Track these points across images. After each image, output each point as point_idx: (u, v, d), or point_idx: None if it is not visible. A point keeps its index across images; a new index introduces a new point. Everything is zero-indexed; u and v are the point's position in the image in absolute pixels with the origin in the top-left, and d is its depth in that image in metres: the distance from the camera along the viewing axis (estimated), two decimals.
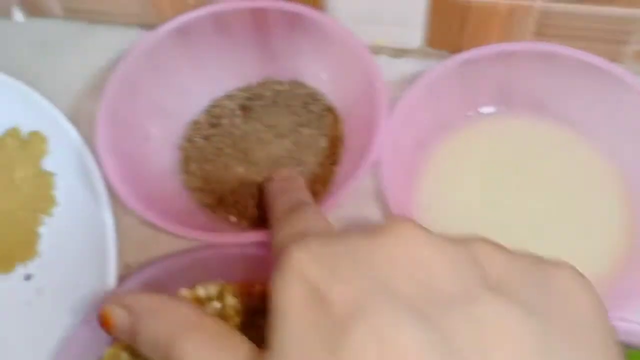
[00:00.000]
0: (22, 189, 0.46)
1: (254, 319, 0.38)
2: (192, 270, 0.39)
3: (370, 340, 0.20)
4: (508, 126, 0.46)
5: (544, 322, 0.21)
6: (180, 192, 0.46)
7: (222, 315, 0.38)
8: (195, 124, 0.49)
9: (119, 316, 0.28)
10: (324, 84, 0.49)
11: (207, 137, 0.48)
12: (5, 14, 0.56)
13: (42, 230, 0.45)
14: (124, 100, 0.45)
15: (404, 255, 0.22)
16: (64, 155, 0.46)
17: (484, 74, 0.44)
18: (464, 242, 0.23)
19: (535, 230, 0.42)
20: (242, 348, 0.25)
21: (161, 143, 0.47)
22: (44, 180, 0.46)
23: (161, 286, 0.39)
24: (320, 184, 0.45)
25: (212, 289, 0.39)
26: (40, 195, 0.45)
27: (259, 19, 0.47)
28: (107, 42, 0.54)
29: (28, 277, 0.44)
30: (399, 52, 0.51)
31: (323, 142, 0.46)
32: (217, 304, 0.39)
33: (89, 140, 0.45)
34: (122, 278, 0.41)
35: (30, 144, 0.47)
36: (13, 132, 0.47)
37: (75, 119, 0.47)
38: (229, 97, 0.50)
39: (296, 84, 0.50)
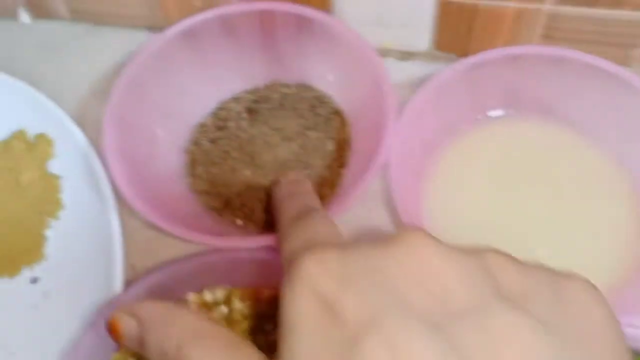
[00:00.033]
0: (28, 192, 0.46)
1: (262, 324, 0.38)
2: (199, 275, 0.39)
3: (383, 352, 0.20)
4: (516, 130, 0.45)
5: (557, 334, 0.21)
6: (187, 195, 0.46)
7: (229, 320, 0.38)
8: (202, 127, 0.48)
9: (127, 325, 0.27)
10: (331, 87, 0.49)
11: (213, 140, 0.48)
12: (12, 15, 0.56)
13: (49, 233, 0.45)
14: (131, 102, 0.45)
15: (416, 266, 0.22)
16: (70, 157, 0.46)
17: (492, 78, 0.44)
18: (475, 252, 0.23)
19: (543, 234, 0.42)
20: (253, 359, 0.25)
21: (168, 146, 0.47)
22: (51, 183, 0.46)
23: (168, 291, 0.39)
24: (328, 187, 0.45)
25: (219, 294, 0.39)
26: (47, 198, 0.45)
27: (266, 22, 0.47)
28: (113, 44, 0.54)
29: (34, 280, 0.44)
30: (406, 55, 0.51)
31: (330, 145, 0.46)
32: (224, 309, 0.39)
33: (95, 142, 0.45)
34: (128, 282, 0.41)
35: (36, 147, 0.47)
36: (19, 135, 0.47)
37: (81, 121, 0.47)
38: (235, 99, 0.50)
39: (303, 87, 0.49)
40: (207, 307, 0.39)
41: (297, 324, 0.22)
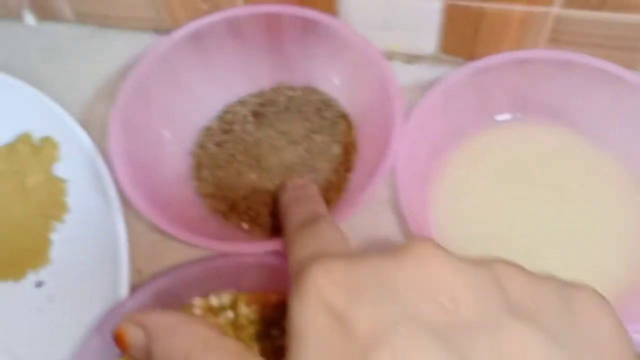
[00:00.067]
0: (33, 195, 0.46)
1: (269, 329, 0.38)
2: (205, 280, 0.39)
3: None
4: (524, 133, 0.45)
5: (567, 346, 0.21)
6: (193, 198, 0.46)
7: (235, 325, 0.38)
8: (208, 130, 0.48)
9: (134, 335, 0.27)
10: (337, 90, 0.49)
11: (219, 143, 0.47)
12: (17, 17, 0.56)
13: (54, 236, 0.45)
14: (137, 105, 0.45)
15: (426, 277, 0.22)
16: (76, 161, 0.46)
17: (499, 81, 0.44)
18: (485, 263, 0.23)
19: (551, 238, 0.42)
20: None
21: (173, 149, 0.47)
22: (56, 186, 0.46)
23: (174, 296, 0.39)
24: (334, 192, 0.45)
25: (225, 298, 0.39)
26: (52, 202, 0.45)
27: (272, 25, 0.47)
28: (118, 46, 0.54)
29: (39, 284, 0.44)
30: (412, 58, 0.51)
31: (336, 149, 0.46)
32: (230, 314, 0.39)
33: (100, 145, 0.45)
34: (134, 286, 0.41)
35: (42, 150, 0.47)
36: (25, 138, 0.47)
37: (85, 124, 0.47)
38: (241, 102, 0.49)
39: (309, 90, 0.49)
40: (213, 312, 0.39)
41: (306, 335, 0.22)
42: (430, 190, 0.44)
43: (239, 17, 0.46)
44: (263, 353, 0.37)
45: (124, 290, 0.40)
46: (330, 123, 0.47)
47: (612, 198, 0.43)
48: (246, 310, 0.38)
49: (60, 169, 0.47)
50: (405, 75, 0.49)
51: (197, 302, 0.39)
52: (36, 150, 0.47)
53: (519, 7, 0.44)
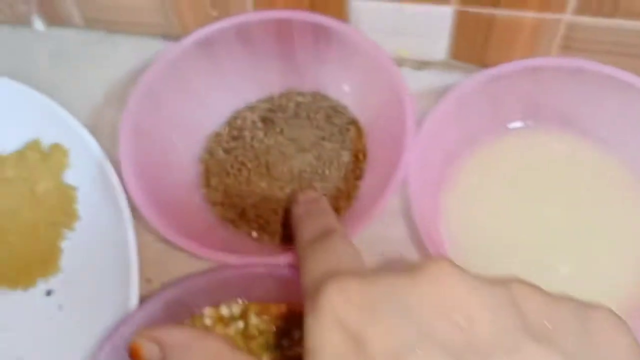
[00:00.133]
0: (44, 203, 0.46)
1: (279, 339, 0.38)
2: (215, 290, 0.39)
3: None
4: (536, 141, 0.45)
5: None
6: (202, 206, 0.46)
7: (245, 335, 0.38)
8: (217, 136, 0.48)
9: (149, 350, 0.27)
10: (347, 96, 0.49)
11: (228, 150, 0.47)
12: (26, 22, 0.56)
13: (64, 244, 0.45)
14: (147, 112, 0.44)
15: (441, 296, 0.22)
16: (85, 168, 0.46)
17: (512, 89, 0.43)
18: (501, 283, 0.23)
19: (563, 245, 0.42)
20: None
21: (183, 155, 0.47)
22: (66, 193, 0.46)
23: (184, 306, 0.39)
24: (344, 200, 0.45)
25: (235, 309, 0.39)
26: (62, 209, 0.45)
27: (282, 31, 0.47)
28: (126, 52, 0.54)
29: (49, 293, 0.44)
30: (422, 64, 0.51)
31: (346, 156, 0.46)
32: (240, 324, 0.39)
33: (109, 151, 0.45)
34: (143, 295, 0.41)
35: (51, 157, 0.46)
36: (34, 145, 0.47)
37: (94, 129, 0.47)
38: (250, 108, 0.49)
39: (319, 96, 0.49)
40: (224, 322, 0.39)
41: (321, 353, 0.22)
42: (443, 197, 0.44)
43: (248, 23, 0.46)
44: None
45: (133, 299, 0.40)
46: (340, 130, 0.47)
47: (624, 205, 0.43)
48: (256, 321, 0.38)
49: (69, 176, 0.47)
50: (415, 81, 0.48)
51: (208, 312, 0.39)
52: (45, 157, 0.47)
53: (531, 14, 0.44)
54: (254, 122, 0.48)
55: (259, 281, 0.38)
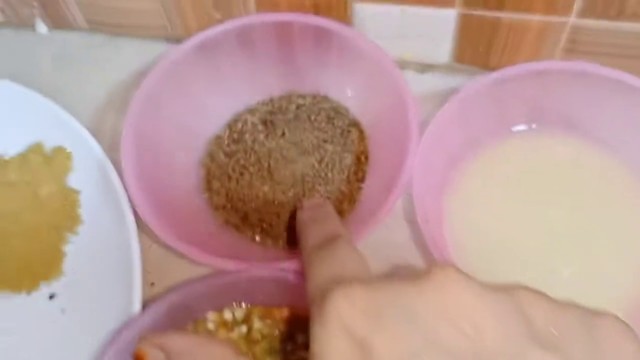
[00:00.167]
0: (47, 206, 0.45)
1: (283, 343, 0.38)
2: (218, 294, 0.39)
3: None
4: (540, 144, 0.45)
5: None
6: (204, 210, 0.46)
7: (248, 340, 0.38)
8: (217, 139, 0.48)
9: (155, 357, 0.27)
10: (348, 98, 0.48)
11: (229, 153, 0.47)
12: (29, 25, 0.56)
13: (67, 248, 0.45)
14: (148, 116, 0.44)
15: (447, 303, 0.22)
16: (88, 171, 0.45)
17: (517, 92, 0.43)
18: (507, 290, 0.23)
19: (567, 248, 0.42)
20: None
21: (184, 159, 0.47)
22: (69, 197, 0.46)
23: (187, 310, 0.39)
24: (347, 203, 0.44)
25: (238, 313, 0.39)
26: (65, 213, 0.45)
27: (283, 33, 0.46)
28: (129, 55, 0.54)
29: (52, 297, 0.44)
30: (425, 67, 0.50)
31: (348, 159, 0.46)
32: (243, 328, 0.38)
33: (111, 153, 0.45)
34: (146, 299, 0.41)
35: (54, 160, 0.46)
36: (37, 148, 0.47)
37: (96, 132, 0.47)
38: (250, 111, 0.49)
39: (319, 98, 0.49)
40: (227, 327, 0.39)
41: None
42: (446, 200, 0.44)
43: (248, 26, 0.46)
44: None
45: (137, 303, 0.40)
46: (342, 132, 0.47)
47: (628, 208, 0.43)
48: (260, 325, 0.38)
49: (72, 180, 0.46)
50: (419, 84, 0.48)
51: (211, 316, 0.39)
52: (48, 161, 0.46)
53: (536, 17, 0.43)
54: (254, 125, 0.48)
55: (262, 285, 0.38)
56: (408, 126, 0.41)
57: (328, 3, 0.47)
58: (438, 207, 0.43)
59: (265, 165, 0.46)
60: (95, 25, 0.55)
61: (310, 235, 0.34)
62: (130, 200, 0.42)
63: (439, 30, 0.47)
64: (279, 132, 0.47)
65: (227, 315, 0.39)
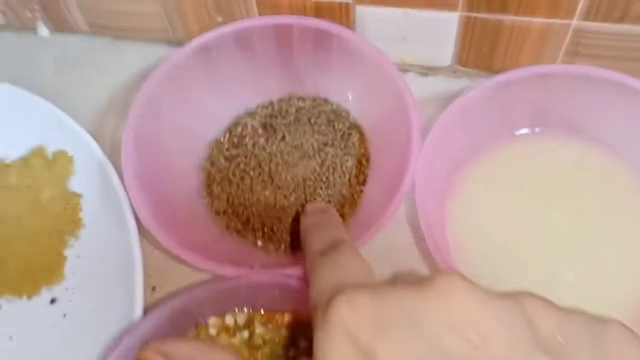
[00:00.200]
0: (48, 210, 0.45)
1: (285, 348, 0.38)
2: (220, 299, 0.38)
3: None
4: (544, 147, 0.45)
5: None
6: (206, 215, 0.45)
7: (250, 345, 0.38)
8: (217, 143, 0.48)
9: None
10: (348, 101, 0.48)
11: (229, 157, 0.47)
12: (31, 28, 0.56)
13: (68, 252, 0.45)
14: (148, 121, 0.44)
15: (452, 311, 0.22)
16: (90, 175, 0.45)
17: (520, 96, 0.43)
18: (512, 297, 0.23)
19: (570, 252, 0.42)
20: None
21: (185, 164, 0.47)
22: (71, 201, 0.45)
23: (189, 315, 0.38)
24: (348, 206, 0.44)
25: (240, 318, 0.39)
26: (67, 217, 0.45)
27: (284, 36, 0.46)
28: (131, 58, 0.54)
29: (53, 301, 0.43)
30: (428, 70, 0.50)
31: (349, 162, 0.46)
32: (245, 333, 0.38)
33: (112, 156, 0.45)
34: (148, 304, 0.41)
35: (56, 164, 0.46)
36: (38, 152, 0.47)
37: (98, 136, 0.46)
38: (250, 114, 0.49)
39: (320, 101, 0.49)
40: (229, 332, 0.38)
41: None
42: (449, 204, 0.43)
43: (247, 29, 0.46)
44: None
45: (138, 308, 0.40)
46: (342, 135, 0.47)
47: (632, 212, 0.43)
48: (261, 330, 0.38)
49: (73, 183, 0.46)
50: (421, 87, 0.48)
51: (212, 321, 0.39)
52: (50, 164, 0.46)
53: (539, 20, 0.43)
54: (254, 129, 0.48)
55: (264, 290, 0.38)
56: (410, 130, 0.41)
57: (330, 6, 0.46)
58: (441, 211, 0.43)
59: (266, 169, 0.46)
60: (97, 29, 0.55)
61: (314, 241, 0.34)
62: (131, 205, 0.41)
63: (441, 33, 0.47)
64: (280, 136, 0.47)
65: (229, 320, 0.39)
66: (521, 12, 0.43)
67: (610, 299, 0.40)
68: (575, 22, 0.43)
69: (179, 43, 0.51)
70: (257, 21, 0.46)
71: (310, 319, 0.26)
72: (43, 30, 0.56)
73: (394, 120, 0.43)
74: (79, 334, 0.42)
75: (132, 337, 0.36)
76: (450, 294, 0.22)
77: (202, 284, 0.38)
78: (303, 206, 0.42)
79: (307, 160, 0.46)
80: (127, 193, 0.41)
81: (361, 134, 0.47)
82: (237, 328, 0.39)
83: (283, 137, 0.47)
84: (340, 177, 0.45)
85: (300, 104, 0.49)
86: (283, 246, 0.44)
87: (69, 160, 0.46)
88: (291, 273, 0.38)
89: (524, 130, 0.45)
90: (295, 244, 0.43)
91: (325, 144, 0.46)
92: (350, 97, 0.48)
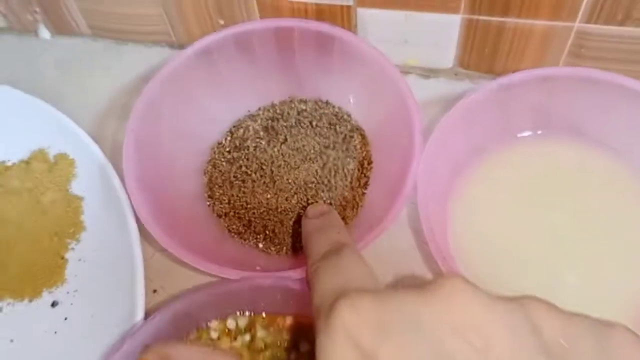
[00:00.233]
0: (50, 213, 0.45)
1: (286, 352, 0.37)
2: (221, 302, 0.38)
3: None
4: (546, 150, 0.45)
5: None
6: (207, 217, 0.45)
7: (252, 348, 0.38)
8: (219, 146, 0.48)
9: None
10: (350, 104, 0.48)
11: (231, 160, 0.47)
12: (32, 31, 0.56)
13: (70, 255, 0.45)
14: (149, 124, 0.44)
15: (455, 315, 0.21)
16: (91, 178, 0.45)
17: (522, 98, 0.43)
18: (515, 301, 0.22)
19: (572, 256, 0.41)
20: None
21: (186, 167, 0.47)
22: (72, 204, 0.45)
23: (191, 318, 0.38)
24: (350, 209, 0.44)
25: (242, 321, 0.39)
26: (69, 220, 0.45)
27: (285, 39, 0.46)
28: (132, 61, 0.54)
29: (54, 304, 0.43)
30: (430, 73, 0.50)
31: (351, 165, 0.46)
32: (247, 337, 0.38)
33: (113, 159, 0.45)
34: (150, 307, 0.40)
35: (57, 167, 0.46)
36: (39, 155, 0.47)
37: (99, 139, 0.47)
38: (251, 117, 0.49)
39: (321, 104, 0.49)
40: (230, 335, 0.38)
41: None
42: (451, 206, 0.43)
43: (248, 32, 0.46)
44: None
45: (139, 311, 0.39)
46: (344, 137, 0.47)
47: (634, 214, 0.42)
48: (263, 333, 0.38)
49: (75, 186, 0.46)
50: (422, 90, 0.48)
51: (214, 325, 0.39)
52: (51, 167, 0.46)
53: (541, 22, 0.43)
54: (256, 131, 0.48)
55: (265, 293, 0.38)
56: (412, 132, 0.41)
57: (331, 8, 0.46)
58: (442, 213, 0.43)
59: (268, 172, 0.46)
60: (98, 31, 0.55)
61: (315, 244, 0.34)
62: (132, 207, 0.41)
63: (443, 36, 0.47)
64: (281, 139, 0.47)
65: (231, 323, 0.39)
66: (523, 15, 0.43)
67: (611, 301, 0.40)
68: (577, 25, 0.43)
69: (181, 46, 0.51)
70: (259, 24, 0.46)
71: (312, 322, 0.26)
72: (44, 33, 0.56)
73: (396, 123, 0.43)
74: (80, 337, 0.42)
75: (133, 341, 0.36)
76: (453, 298, 0.22)
77: (203, 287, 0.38)
78: (305, 209, 0.42)
79: (309, 163, 0.46)
80: (128, 195, 0.41)
81: (363, 137, 0.47)
82: (238, 331, 0.38)
83: (285, 140, 0.47)
84: (341, 179, 0.45)
85: (302, 106, 0.49)
86: (284, 249, 0.43)
87: (70, 163, 0.46)
88: (293, 276, 0.37)
89: (526, 133, 0.45)
90: (297, 246, 0.43)
91: (327, 147, 0.46)
92: (351, 100, 0.48)
